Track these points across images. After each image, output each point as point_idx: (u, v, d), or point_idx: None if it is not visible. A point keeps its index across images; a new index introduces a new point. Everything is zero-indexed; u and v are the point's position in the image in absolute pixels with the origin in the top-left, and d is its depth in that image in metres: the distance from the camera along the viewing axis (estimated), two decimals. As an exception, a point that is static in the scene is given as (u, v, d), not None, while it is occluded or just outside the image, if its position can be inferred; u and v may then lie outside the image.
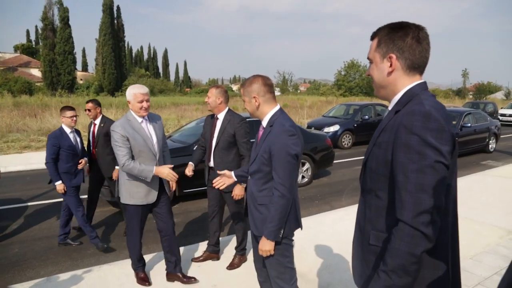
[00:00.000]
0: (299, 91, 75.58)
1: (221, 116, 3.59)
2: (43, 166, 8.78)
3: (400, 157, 1.26)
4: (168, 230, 3.38)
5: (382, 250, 1.38)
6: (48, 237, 4.76)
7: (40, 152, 10.71)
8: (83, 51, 69.80)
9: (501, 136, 13.27)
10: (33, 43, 62.92)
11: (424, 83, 1.40)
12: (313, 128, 11.89)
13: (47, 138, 4.33)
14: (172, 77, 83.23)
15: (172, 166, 3.17)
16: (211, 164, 3.64)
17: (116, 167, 4.67)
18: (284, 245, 2.28)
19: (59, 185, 4.27)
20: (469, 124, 10.83)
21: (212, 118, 3.70)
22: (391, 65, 1.39)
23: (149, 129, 3.19)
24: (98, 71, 48.25)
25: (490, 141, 11.66)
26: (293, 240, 2.38)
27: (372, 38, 1.46)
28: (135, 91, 3.04)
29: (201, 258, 3.88)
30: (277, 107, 2.29)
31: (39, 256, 4.21)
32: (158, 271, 3.63)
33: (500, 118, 19.97)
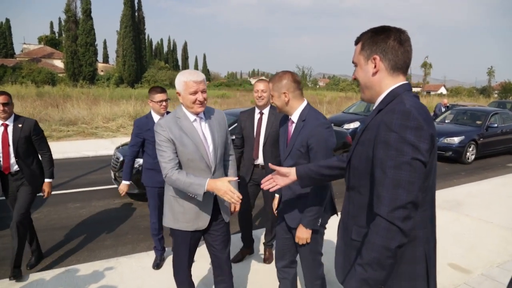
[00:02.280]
0: (318, 86, 74.89)
1: (266, 111, 3.51)
2: (64, 156, 9.10)
3: (379, 154, 1.31)
4: (222, 267, 2.57)
5: (362, 245, 1.42)
6: (67, 227, 4.81)
7: (61, 142, 10.90)
8: (104, 43, 71.13)
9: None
10: (57, 34, 64.26)
11: (408, 84, 1.45)
12: (332, 124, 11.70)
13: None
14: (191, 69, 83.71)
15: (236, 179, 2.38)
16: (259, 161, 3.56)
17: (46, 180, 3.58)
18: (320, 233, 2.42)
19: (123, 185, 3.66)
20: (496, 125, 10.47)
21: (251, 114, 3.59)
22: (375, 66, 1.44)
23: (204, 131, 2.37)
24: (118, 62, 48.99)
25: (517, 143, 11.24)
26: (326, 228, 2.50)
27: (356, 43, 1.52)
28: (186, 78, 2.24)
29: (239, 258, 3.79)
30: (305, 102, 2.37)
31: (58, 246, 4.25)
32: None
33: (527, 118, 19.27)
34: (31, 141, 3.48)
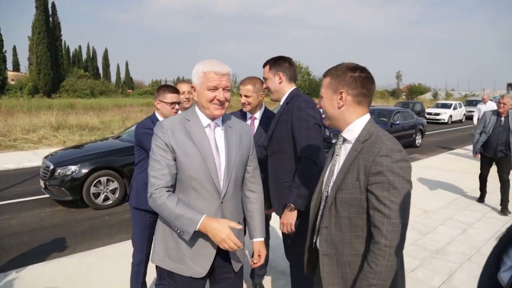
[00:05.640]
0: (245, 92, 76.05)
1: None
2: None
3: (295, 124, 2.30)
4: None
5: (292, 184, 2.29)
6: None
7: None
8: (14, 49, 65.19)
9: (427, 133, 14.79)
10: (-45, 40, 57.38)
11: (297, 88, 2.51)
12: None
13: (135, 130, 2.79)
14: (113, 78, 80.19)
15: (241, 226, 1.77)
16: None
17: None
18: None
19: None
20: (398, 122, 11.97)
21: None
22: (280, 78, 2.46)
23: (218, 142, 1.80)
24: (32, 71, 45.50)
25: (417, 137, 12.95)
26: None
27: (264, 66, 2.53)
28: (206, 68, 1.72)
29: None
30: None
31: (-9, 256, 4.19)
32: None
33: (427, 116, 21.97)
34: None
